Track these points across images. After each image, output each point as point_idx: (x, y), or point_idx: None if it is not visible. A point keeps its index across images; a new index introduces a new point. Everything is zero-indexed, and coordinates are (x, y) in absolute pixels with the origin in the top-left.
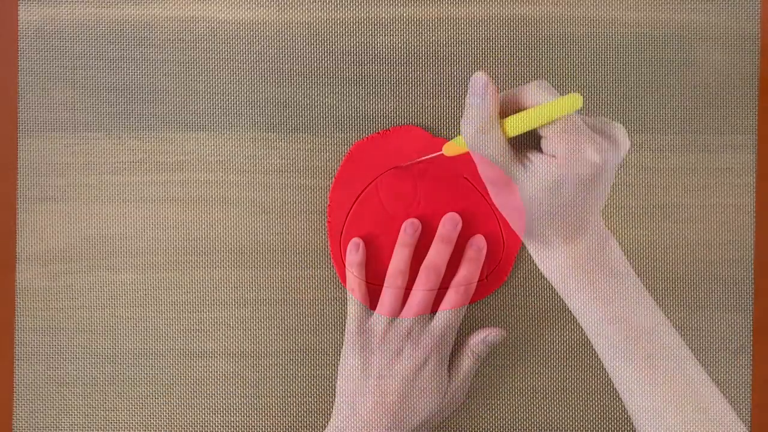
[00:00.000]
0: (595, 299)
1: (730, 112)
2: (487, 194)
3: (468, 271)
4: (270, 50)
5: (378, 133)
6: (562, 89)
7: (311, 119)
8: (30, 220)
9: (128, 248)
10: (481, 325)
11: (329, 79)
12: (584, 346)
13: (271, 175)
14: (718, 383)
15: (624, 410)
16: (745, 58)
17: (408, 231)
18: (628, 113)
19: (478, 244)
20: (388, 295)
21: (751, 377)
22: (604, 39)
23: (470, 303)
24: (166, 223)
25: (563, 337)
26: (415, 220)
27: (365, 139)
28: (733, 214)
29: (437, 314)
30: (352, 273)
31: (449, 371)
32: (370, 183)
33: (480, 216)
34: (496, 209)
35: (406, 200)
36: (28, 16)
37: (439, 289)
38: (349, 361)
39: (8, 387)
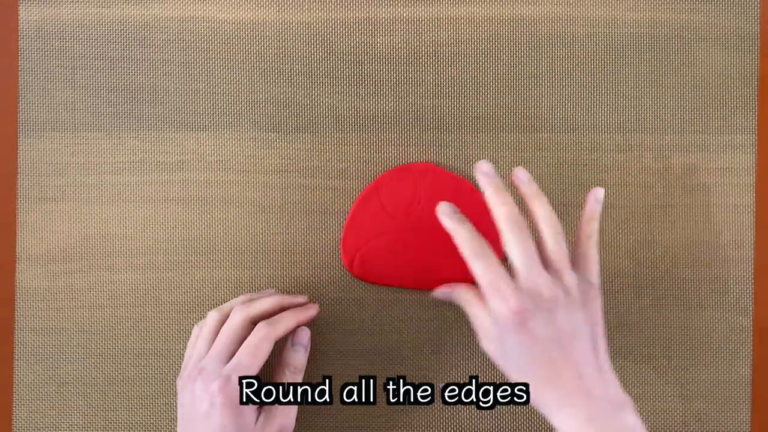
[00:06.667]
0: None
1: (730, 112)
2: None
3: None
4: (270, 50)
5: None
6: (562, 89)
7: (311, 119)
8: (30, 220)
9: (128, 248)
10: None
11: (329, 79)
12: None
13: (271, 175)
14: (718, 383)
15: None
16: (745, 58)
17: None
18: (628, 113)
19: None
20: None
21: (751, 377)
22: (604, 39)
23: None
24: (166, 223)
25: None
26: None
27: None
28: (733, 214)
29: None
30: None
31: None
32: (370, 183)
33: (480, 216)
34: None
35: (406, 200)
36: (28, 16)
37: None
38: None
39: (8, 387)
